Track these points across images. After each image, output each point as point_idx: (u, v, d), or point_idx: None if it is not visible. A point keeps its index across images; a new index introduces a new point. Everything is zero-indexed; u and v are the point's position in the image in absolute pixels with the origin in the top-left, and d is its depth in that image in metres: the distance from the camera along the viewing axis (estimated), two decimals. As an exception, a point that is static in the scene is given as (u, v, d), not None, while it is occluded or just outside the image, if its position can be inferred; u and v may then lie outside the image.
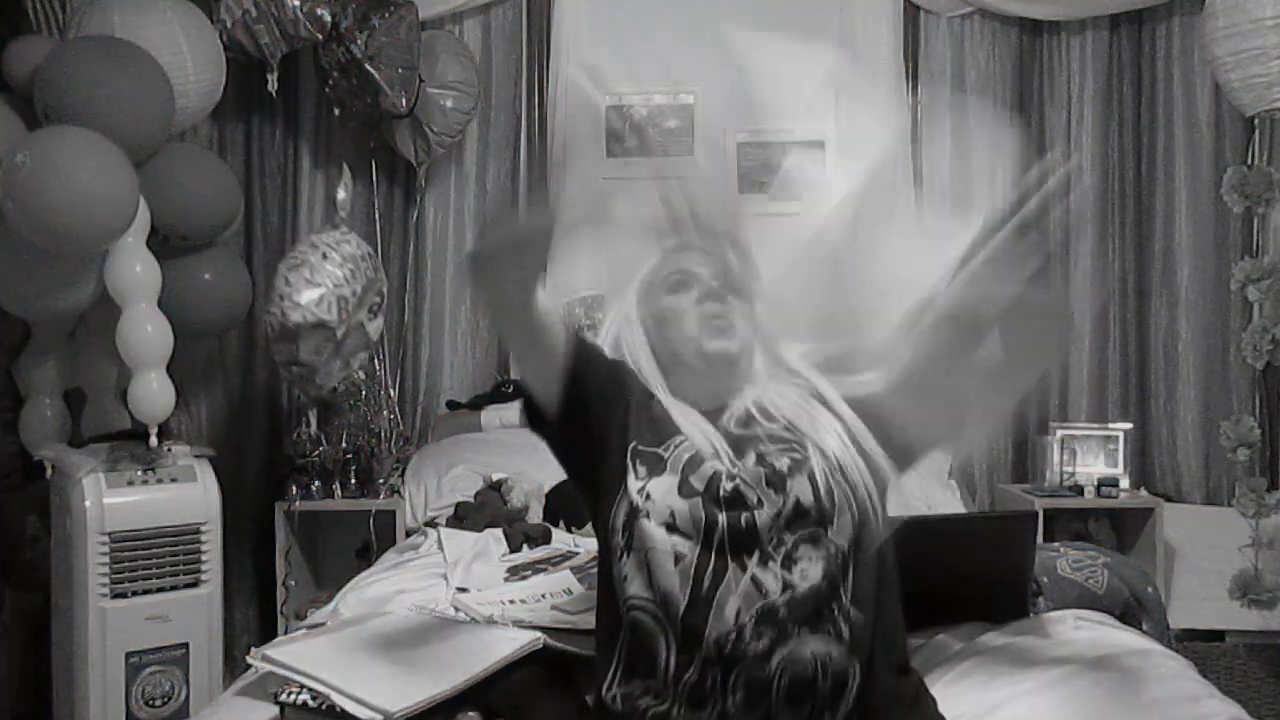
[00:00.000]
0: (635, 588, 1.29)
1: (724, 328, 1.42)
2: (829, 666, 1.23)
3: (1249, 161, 2.92)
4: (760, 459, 1.34)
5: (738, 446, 1.37)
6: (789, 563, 1.27)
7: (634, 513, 1.32)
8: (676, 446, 1.36)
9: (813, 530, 1.28)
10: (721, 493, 1.30)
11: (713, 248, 1.47)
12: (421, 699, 1.34)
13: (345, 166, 3.17)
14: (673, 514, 1.30)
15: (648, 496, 1.32)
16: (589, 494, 1.45)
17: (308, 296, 2.74)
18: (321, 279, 2.77)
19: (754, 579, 1.25)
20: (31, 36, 2.74)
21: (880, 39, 3.40)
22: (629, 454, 1.36)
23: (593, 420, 1.41)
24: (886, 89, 3.39)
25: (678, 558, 1.27)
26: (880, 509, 1.35)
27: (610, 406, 1.41)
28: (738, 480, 1.31)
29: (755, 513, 1.28)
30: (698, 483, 1.32)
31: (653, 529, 1.29)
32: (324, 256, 2.79)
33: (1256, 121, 2.83)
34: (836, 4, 3.45)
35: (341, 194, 3.08)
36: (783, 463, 1.33)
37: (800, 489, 1.30)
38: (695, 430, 1.38)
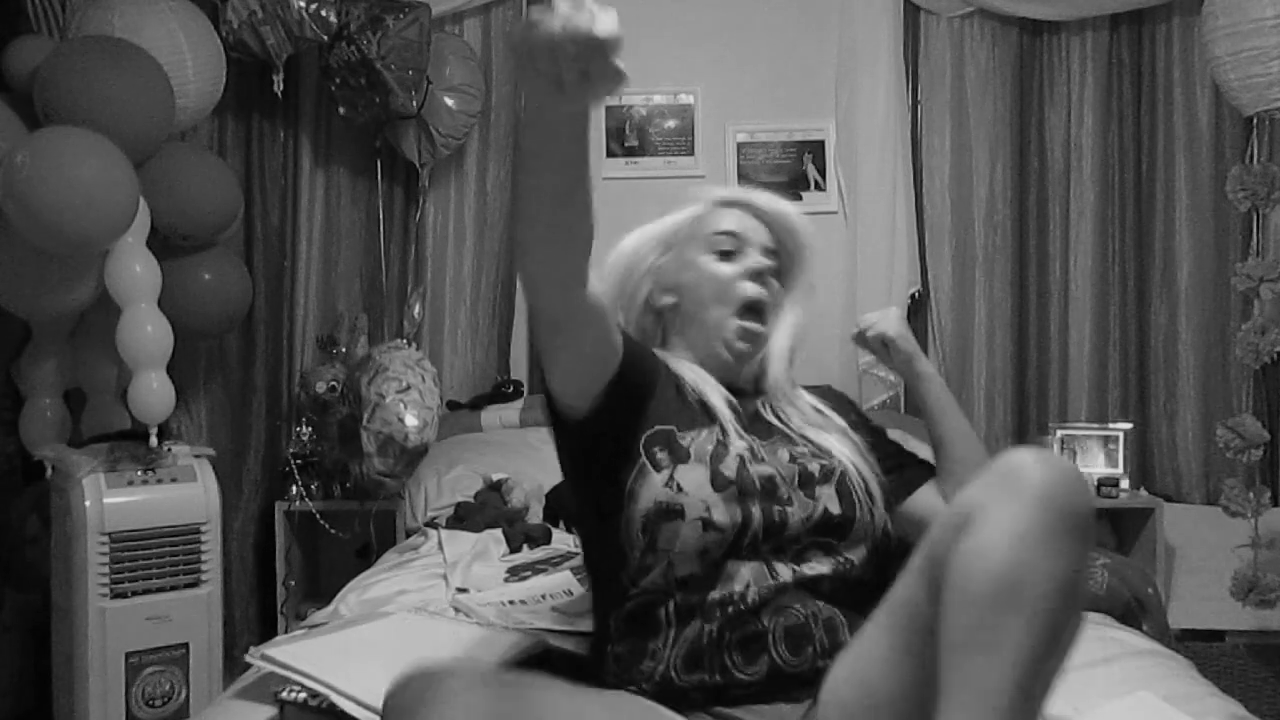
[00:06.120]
0: (652, 578, 1.28)
1: (761, 312, 1.43)
2: (819, 615, 1.26)
3: (1249, 161, 2.90)
4: (793, 458, 1.34)
5: (763, 434, 1.38)
6: (799, 559, 1.29)
7: (665, 513, 1.26)
8: (697, 436, 1.32)
9: (828, 541, 1.31)
10: (757, 483, 1.29)
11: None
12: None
13: (426, 287, 3.38)
14: (708, 509, 1.26)
15: (679, 488, 1.26)
16: (599, 487, 1.34)
17: (414, 422, 2.82)
18: (427, 404, 2.85)
19: (768, 564, 1.28)
20: (31, 36, 2.73)
21: (880, 39, 3.39)
22: (643, 442, 1.30)
23: (627, 412, 1.32)
24: (886, 89, 3.39)
25: (706, 552, 1.26)
26: (888, 525, 1.38)
27: (642, 395, 1.34)
28: (775, 473, 1.31)
29: (787, 510, 1.29)
30: (728, 472, 1.28)
31: (685, 531, 1.25)
32: (422, 379, 2.86)
33: (1256, 121, 2.83)
34: (836, 4, 3.45)
35: (417, 312, 3.29)
36: (814, 466, 1.34)
37: (828, 498, 1.32)
38: (720, 400, 1.37)
